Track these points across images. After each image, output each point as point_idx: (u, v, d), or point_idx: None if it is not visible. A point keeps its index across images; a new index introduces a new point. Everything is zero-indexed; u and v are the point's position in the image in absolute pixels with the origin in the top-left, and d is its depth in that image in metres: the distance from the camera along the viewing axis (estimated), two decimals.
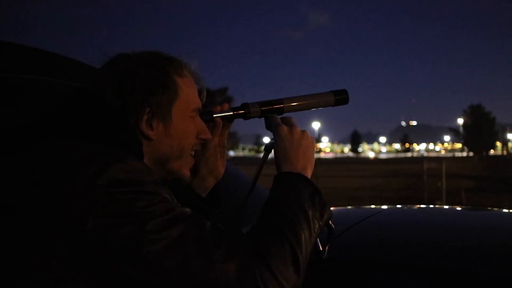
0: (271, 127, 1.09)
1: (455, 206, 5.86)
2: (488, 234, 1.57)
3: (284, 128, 1.05)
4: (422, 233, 1.57)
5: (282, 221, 0.87)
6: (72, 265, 0.76)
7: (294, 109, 1.14)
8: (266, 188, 1.02)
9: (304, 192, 0.94)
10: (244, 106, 1.10)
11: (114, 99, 0.91)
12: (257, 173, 1.19)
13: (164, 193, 0.83)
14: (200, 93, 1.06)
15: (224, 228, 0.83)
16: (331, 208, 0.99)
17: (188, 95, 1.00)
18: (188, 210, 0.83)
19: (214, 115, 1.10)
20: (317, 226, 0.91)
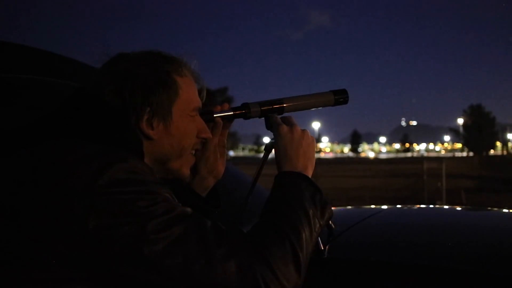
0: (271, 127, 1.09)
1: (455, 206, 5.86)
2: (488, 234, 1.57)
3: (285, 128, 1.05)
4: (422, 233, 1.57)
5: (283, 220, 0.87)
6: (73, 265, 0.76)
7: (294, 109, 1.15)
8: (266, 188, 1.02)
9: (305, 191, 0.94)
10: (244, 106, 1.10)
11: (115, 98, 0.92)
12: (257, 173, 1.19)
13: (165, 193, 0.83)
14: (200, 92, 1.06)
15: (225, 227, 0.83)
16: (331, 208, 0.99)
17: (188, 94, 1.00)
18: (189, 209, 0.83)
19: (214, 115, 1.11)
20: (318, 225, 0.91)
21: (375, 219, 1.83)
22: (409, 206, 3.78)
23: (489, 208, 2.87)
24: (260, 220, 0.89)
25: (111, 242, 0.74)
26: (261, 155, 1.20)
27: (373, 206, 3.38)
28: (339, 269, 1.21)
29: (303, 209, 0.90)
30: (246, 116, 1.11)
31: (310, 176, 1.01)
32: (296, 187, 0.95)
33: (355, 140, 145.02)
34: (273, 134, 1.08)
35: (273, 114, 1.11)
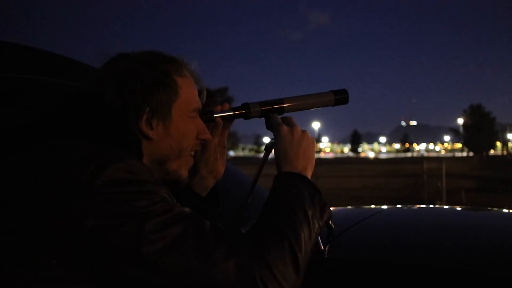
0: (271, 127, 1.09)
1: (455, 206, 5.86)
2: (488, 234, 1.57)
3: (285, 128, 1.05)
4: (422, 233, 1.57)
5: (282, 221, 0.87)
6: (72, 265, 0.76)
7: (295, 109, 1.15)
8: (266, 188, 1.02)
9: (304, 192, 0.94)
10: (245, 106, 1.10)
11: (114, 98, 0.92)
12: (258, 173, 1.19)
13: (163, 193, 0.83)
14: (200, 93, 1.06)
15: (224, 227, 0.83)
16: (331, 208, 0.99)
17: (188, 95, 1.00)
18: (187, 209, 0.83)
19: (215, 115, 1.11)
20: (317, 226, 0.92)
21: (375, 219, 1.83)
22: (409, 206, 3.78)
23: (489, 208, 2.87)
24: (258, 220, 0.89)
25: (109, 242, 0.74)
26: (261, 155, 1.20)
27: (373, 206, 3.38)
28: (339, 269, 1.21)
29: (302, 209, 0.90)
30: (246, 116, 1.11)
31: (309, 177, 1.01)
32: (295, 187, 0.95)
33: (355, 140, 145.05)
34: (273, 135, 1.08)
35: (274, 114, 1.11)
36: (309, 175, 1.02)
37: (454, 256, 1.26)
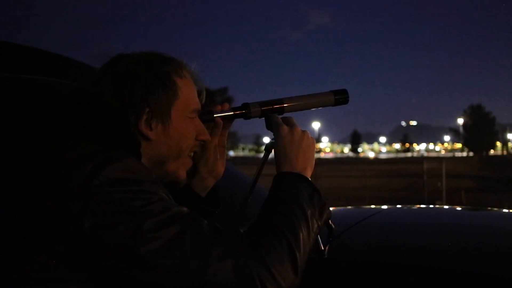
0: (271, 127, 1.09)
1: (455, 206, 5.86)
2: (488, 234, 1.57)
3: (285, 128, 1.05)
4: (422, 233, 1.57)
5: (280, 220, 0.87)
6: (71, 265, 0.76)
7: (295, 109, 1.15)
8: (266, 188, 1.02)
9: (303, 191, 0.94)
10: (245, 106, 1.10)
11: (114, 99, 0.92)
12: (258, 173, 1.19)
13: (161, 192, 0.83)
14: (199, 94, 1.06)
15: (221, 227, 0.83)
16: (331, 208, 0.99)
17: (188, 96, 1.00)
18: (185, 209, 0.83)
19: (215, 115, 1.10)
20: (316, 225, 0.92)
21: (375, 219, 1.83)
22: (409, 206, 3.78)
23: (489, 208, 2.87)
24: (257, 220, 0.89)
25: (107, 241, 0.75)
26: (261, 155, 1.20)
27: (373, 206, 3.38)
28: (339, 269, 1.21)
29: (301, 209, 0.90)
30: (246, 116, 1.11)
31: (309, 177, 1.01)
32: (294, 187, 0.95)
33: (355, 140, 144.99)
34: (273, 135, 1.08)
35: (274, 114, 1.11)
36: (308, 175, 1.02)
37: (454, 256, 1.26)
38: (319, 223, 0.93)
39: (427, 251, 1.32)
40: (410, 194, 12.99)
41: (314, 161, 1.06)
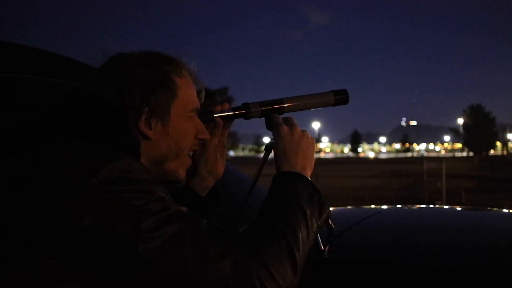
0: (271, 127, 1.09)
1: (455, 206, 5.86)
2: (488, 234, 1.57)
3: (285, 128, 1.05)
4: (422, 233, 1.57)
5: (280, 220, 0.87)
6: (71, 264, 0.76)
7: (295, 109, 1.15)
8: (266, 188, 1.02)
9: (302, 191, 0.94)
10: (245, 106, 1.10)
11: (113, 98, 0.91)
12: (258, 173, 1.19)
13: (160, 192, 0.83)
14: (198, 93, 1.06)
15: (222, 227, 0.83)
16: (331, 208, 0.99)
17: (187, 95, 1.00)
18: (184, 208, 0.83)
19: (215, 115, 1.10)
20: (315, 225, 0.92)
21: (375, 219, 1.83)
22: (409, 206, 3.78)
23: (489, 208, 2.87)
24: (256, 219, 0.89)
25: (106, 241, 0.75)
26: (261, 155, 1.20)
27: (373, 206, 3.39)
28: (339, 269, 1.21)
29: (301, 209, 0.90)
30: (246, 116, 1.11)
31: (308, 177, 1.01)
32: (294, 187, 0.95)
33: (355, 140, 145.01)
34: (273, 135, 1.08)
35: (274, 114, 1.11)
36: (308, 175, 1.02)
37: (454, 256, 1.26)
38: (319, 223, 0.93)
39: (427, 251, 1.32)
40: (410, 194, 12.99)
41: (313, 161, 1.06)
